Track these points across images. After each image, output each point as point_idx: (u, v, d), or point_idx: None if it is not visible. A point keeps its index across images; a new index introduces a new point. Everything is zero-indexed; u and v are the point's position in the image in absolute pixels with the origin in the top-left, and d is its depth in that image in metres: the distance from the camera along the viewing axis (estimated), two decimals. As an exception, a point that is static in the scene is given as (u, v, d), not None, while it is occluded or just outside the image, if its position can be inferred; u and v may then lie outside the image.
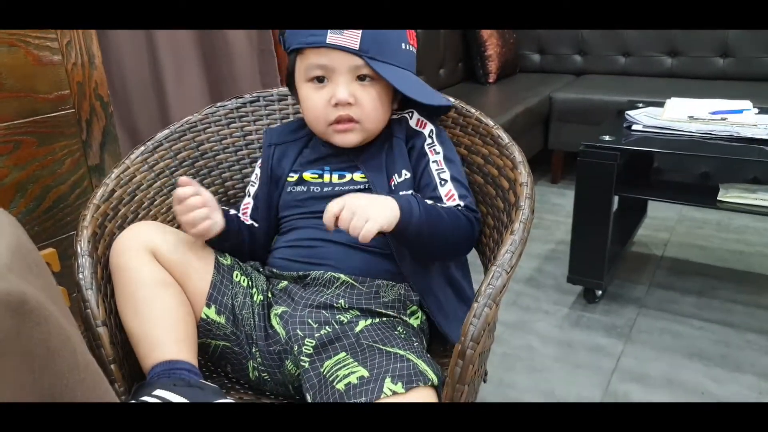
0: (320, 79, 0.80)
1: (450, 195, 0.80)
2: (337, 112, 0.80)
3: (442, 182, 0.81)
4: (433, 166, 0.82)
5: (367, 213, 0.66)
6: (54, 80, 0.97)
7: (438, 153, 0.84)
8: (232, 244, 0.83)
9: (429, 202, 0.78)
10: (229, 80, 1.94)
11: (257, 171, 0.92)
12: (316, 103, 0.81)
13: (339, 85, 0.79)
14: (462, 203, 0.79)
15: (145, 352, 0.72)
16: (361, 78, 0.79)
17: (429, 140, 0.85)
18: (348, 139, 0.82)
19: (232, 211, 0.89)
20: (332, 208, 0.67)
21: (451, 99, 0.96)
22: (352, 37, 0.76)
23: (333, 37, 0.76)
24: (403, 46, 0.81)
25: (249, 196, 0.92)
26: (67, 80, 0.99)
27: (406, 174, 0.82)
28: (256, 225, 0.89)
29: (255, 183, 0.91)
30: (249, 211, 0.90)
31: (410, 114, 0.88)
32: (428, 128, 0.86)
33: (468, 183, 0.86)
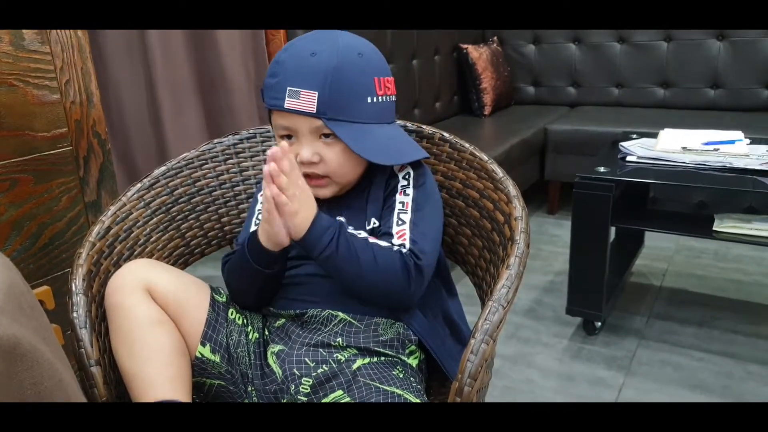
0: (289, 137, 0.81)
1: (401, 234, 0.78)
2: (304, 169, 0.79)
3: (399, 222, 0.79)
4: (397, 206, 0.81)
5: (295, 210, 0.71)
6: (52, 119, 0.98)
7: (407, 195, 0.81)
8: (281, 268, 0.80)
9: (362, 235, 0.76)
10: (227, 116, 1.96)
11: (260, 207, 0.90)
12: None
13: (303, 146, 0.78)
14: (408, 246, 0.76)
15: (139, 392, 0.71)
16: (325, 135, 0.78)
17: (404, 182, 0.83)
18: (322, 193, 0.82)
19: None
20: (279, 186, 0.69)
21: (445, 130, 0.97)
22: (308, 100, 0.75)
23: (290, 101, 0.76)
24: (369, 100, 0.78)
25: (258, 225, 0.86)
26: (66, 118, 1.00)
27: (375, 222, 0.81)
28: None
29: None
30: None
31: None
32: (405, 171, 0.84)
33: (464, 219, 0.85)
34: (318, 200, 0.85)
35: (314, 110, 0.75)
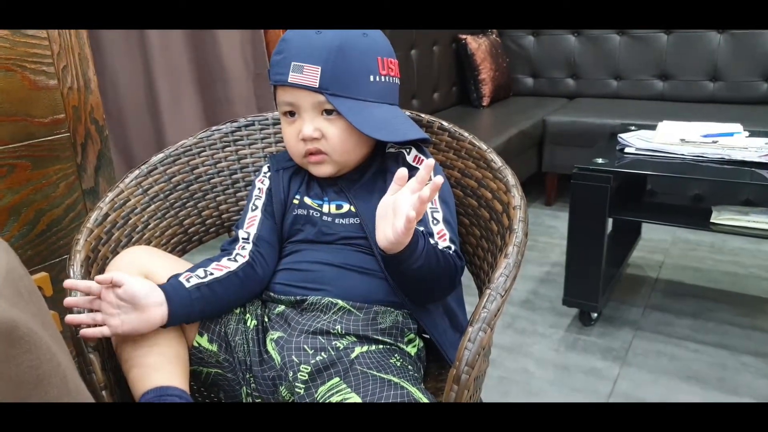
0: (291, 114, 0.81)
1: (442, 234, 0.78)
2: (306, 145, 0.81)
3: (434, 221, 0.79)
4: (428, 205, 0.79)
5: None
6: (50, 104, 0.98)
7: None
8: (205, 310, 0.77)
9: (431, 241, 0.76)
10: (225, 104, 1.95)
11: (258, 193, 0.89)
12: (289, 137, 0.83)
13: (305, 121, 0.80)
14: (453, 247, 0.77)
15: (137, 378, 0.71)
16: (327, 112, 0.79)
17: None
18: (322, 170, 0.82)
19: (211, 271, 0.78)
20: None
21: (444, 120, 0.97)
22: (311, 75, 0.77)
23: (294, 76, 0.77)
24: (372, 78, 0.80)
25: (255, 209, 0.87)
26: (63, 104, 1.00)
27: None
28: (252, 261, 0.82)
29: (260, 197, 0.88)
30: (256, 223, 0.86)
31: (408, 150, 0.86)
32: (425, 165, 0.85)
33: (462, 208, 0.85)
34: (330, 185, 0.85)
35: (316, 85, 0.77)
